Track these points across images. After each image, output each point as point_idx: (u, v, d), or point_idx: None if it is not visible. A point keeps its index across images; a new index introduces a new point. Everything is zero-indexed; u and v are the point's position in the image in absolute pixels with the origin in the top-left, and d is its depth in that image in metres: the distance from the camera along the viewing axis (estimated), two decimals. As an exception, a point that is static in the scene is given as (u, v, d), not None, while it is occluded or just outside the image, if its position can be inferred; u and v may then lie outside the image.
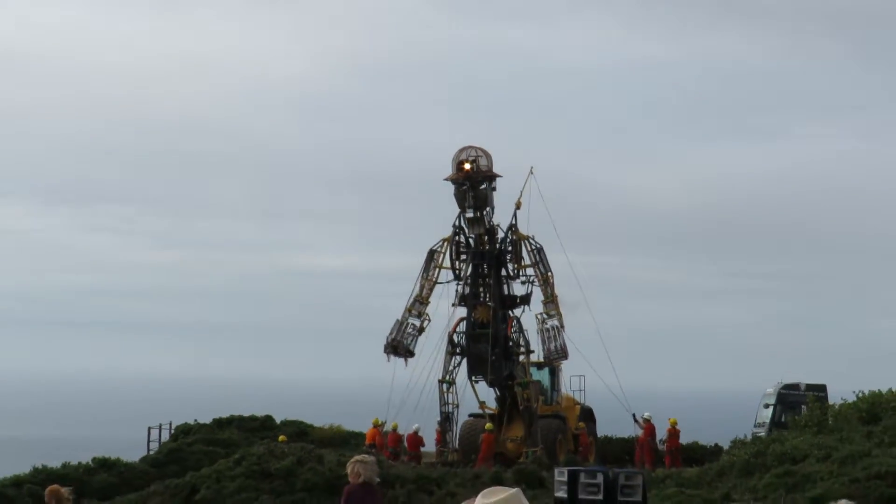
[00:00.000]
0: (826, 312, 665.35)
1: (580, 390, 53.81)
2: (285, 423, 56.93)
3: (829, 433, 40.93)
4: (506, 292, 51.67)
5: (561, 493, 26.94)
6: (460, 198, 50.63)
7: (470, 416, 52.61)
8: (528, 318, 51.53)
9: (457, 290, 51.41)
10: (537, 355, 51.27)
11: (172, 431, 55.70)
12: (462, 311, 51.47)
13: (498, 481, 36.79)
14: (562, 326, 50.51)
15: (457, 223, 51.43)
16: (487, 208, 50.93)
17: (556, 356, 50.45)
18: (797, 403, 54.75)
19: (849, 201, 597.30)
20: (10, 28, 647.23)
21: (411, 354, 50.94)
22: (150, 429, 56.27)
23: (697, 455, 51.60)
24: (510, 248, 51.67)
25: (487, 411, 51.92)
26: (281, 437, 49.50)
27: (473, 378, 51.30)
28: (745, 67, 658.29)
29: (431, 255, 51.78)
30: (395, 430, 50.81)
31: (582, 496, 26.46)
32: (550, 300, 50.90)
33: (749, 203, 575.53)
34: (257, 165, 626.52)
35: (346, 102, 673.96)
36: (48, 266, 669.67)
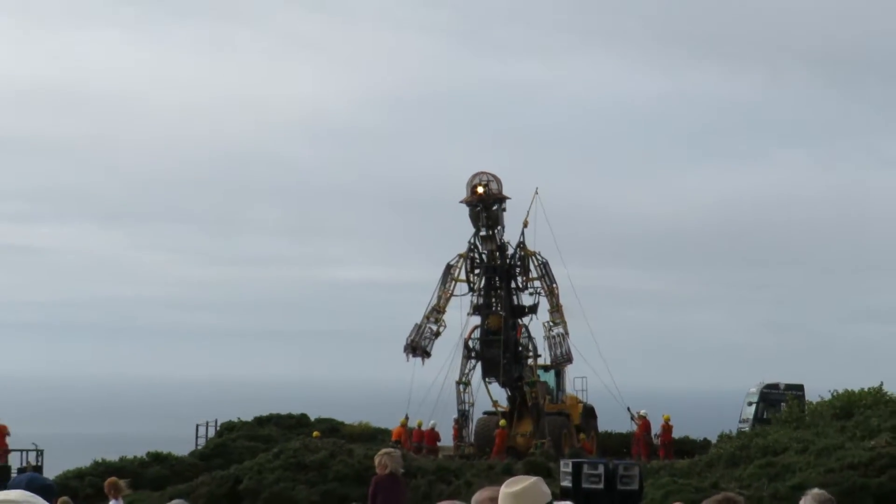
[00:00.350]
0: (803, 319, 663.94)
1: (583, 390, 53.75)
2: (319, 421, 56.80)
3: (806, 428, 40.71)
4: (515, 302, 51.62)
5: (566, 483, 26.88)
6: (474, 218, 50.73)
7: (484, 413, 52.53)
8: (536, 325, 51.59)
9: (471, 301, 51.41)
10: (544, 359, 51.24)
11: (218, 428, 55.66)
12: (476, 320, 51.51)
13: (509, 472, 36.71)
14: (566, 333, 50.51)
15: (471, 241, 51.49)
16: (499, 227, 50.99)
17: (561, 360, 50.43)
18: (778, 401, 54.43)
19: (819, 220, 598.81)
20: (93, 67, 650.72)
21: (428, 355, 50.89)
22: (197, 426, 56.23)
23: (688, 448, 51.41)
24: (519, 263, 51.63)
25: (500, 409, 51.85)
26: (315, 433, 49.42)
27: (487, 379, 51.30)
28: (722, 99, 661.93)
29: (448, 269, 51.78)
30: (419, 426, 50.83)
31: (585, 485, 26.38)
32: (556, 309, 50.86)
33: (729, 220, 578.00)
34: (297, 190, 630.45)
35: (373, 133, 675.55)
36: (108, 280, 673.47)
